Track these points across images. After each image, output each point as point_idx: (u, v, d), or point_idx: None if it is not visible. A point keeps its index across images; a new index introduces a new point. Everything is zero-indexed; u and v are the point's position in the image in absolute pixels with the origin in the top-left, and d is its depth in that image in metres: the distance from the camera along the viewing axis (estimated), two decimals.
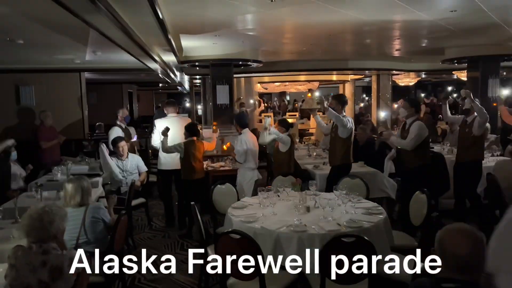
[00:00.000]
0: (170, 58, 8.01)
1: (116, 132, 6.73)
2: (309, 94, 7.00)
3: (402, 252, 3.52)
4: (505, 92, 6.44)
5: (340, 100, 5.25)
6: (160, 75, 10.34)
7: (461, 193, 5.41)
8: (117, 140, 5.83)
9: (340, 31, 6.62)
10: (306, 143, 8.49)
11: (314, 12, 5.14)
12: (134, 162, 5.85)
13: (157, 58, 7.26)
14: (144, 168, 5.99)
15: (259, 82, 14.61)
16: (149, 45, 6.07)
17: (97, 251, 3.35)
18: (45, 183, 5.32)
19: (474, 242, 1.71)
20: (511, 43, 8.01)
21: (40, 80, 9.33)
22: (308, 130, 14.17)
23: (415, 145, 4.80)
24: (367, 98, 20.93)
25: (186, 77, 12.94)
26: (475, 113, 5.21)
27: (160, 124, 5.90)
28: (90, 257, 3.20)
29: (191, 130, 5.57)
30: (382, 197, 5.64)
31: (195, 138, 5.58)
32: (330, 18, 5.52)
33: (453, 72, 13.25)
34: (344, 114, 5.15)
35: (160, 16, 4.18)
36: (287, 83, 15.84)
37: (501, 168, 4.80)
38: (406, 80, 16.10)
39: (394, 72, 13.19)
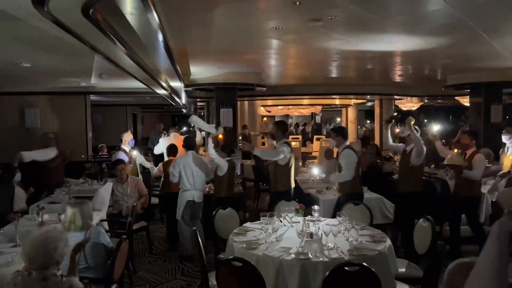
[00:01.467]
0: (175, 83, 8.11)
1: (120, 156, 6.74)
2: (265, 118, 7.09)
3: (407, 281, 3.46)
4: (436, 128, 6.46)
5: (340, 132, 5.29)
6: (165, 97, 10.44)
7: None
8: (117, 162, 5.83)
9: (343, 58, 6.70)
10: (308, 166, 8.47)
11: (317, 40, 5.22)
12: (134, 185, 5.82)
13: (163, 84, 7.34)
14: (144, 191, 5.95)
15: (262, 105, 14.72)
16: (155, 70, 6.15)
17: None
18: (47, 205, 5.30)
19: None
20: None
21: (45, 102, 9.43)
22: (311, 153, 14.18)
23: (353, 172, 4.87)
24: (368, 121, 20.99)
25: (191, 100, 13.06)
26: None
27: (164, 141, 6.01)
28: (90, 283, 3.16)
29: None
30: (386, 223, 5.58)
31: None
32: (333, 45, 5.60)
33: (455, 97, 13.32)
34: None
35: (167, 43, 4.25)
36: (290, 106, 15.95)
37: (506, 195, 4.76)
38: (409, 104, 16.18)
39: (397, 96, 13.27)
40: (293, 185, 5.52)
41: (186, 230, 5.44)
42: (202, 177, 5.56)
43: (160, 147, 8.06)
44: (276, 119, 22.11)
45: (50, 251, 2.36)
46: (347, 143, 5.19)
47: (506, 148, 5.53)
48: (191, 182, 5.44)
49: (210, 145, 5.49)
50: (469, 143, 5.07)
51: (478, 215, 5.23)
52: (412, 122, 5.10)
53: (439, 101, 16.47)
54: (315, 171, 5.59)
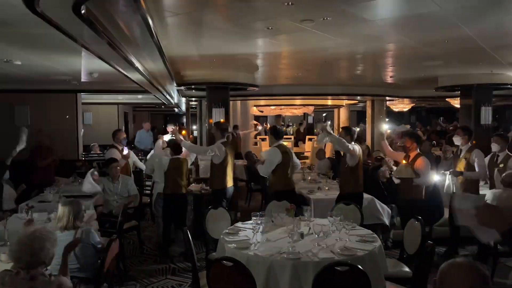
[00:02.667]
0: (167, 82, 8.07)
1: (113, 153, 6.69)
2: (222, 120, 7.13)
3: (397, 281, 3.49)
4: (386, 126, 6.48)
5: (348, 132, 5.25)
6: (156, 96, 10.39)
7: None
8: (110, 161, 5.80)
9: (335, 58, 6.73)
10: (301, 167, 8.48)
11: (309, 40, 5.23)
12: (125, 185, 5.77)
13: (157, 86, 7.31)
14: (134, 191, 5.86)
15: (255, 105, 14.73)
16: (147, 69, 6.11)
17: None
18: (36, 204, 5.25)
19: (477, 278, 1.67)
20: (502, 72, 8.18)
21: (35, 100, 9.34)
22: (303, 154, 14.22)
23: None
24: (360, 124, 21.08)
25: (183, 99, 13.02)
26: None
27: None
28: (80, 283, 3.14)
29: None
30: (376, 224, 5.61)
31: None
32: (325, 45, 5.62)
33: (446, 99, 13.44)
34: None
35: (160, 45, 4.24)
36: (283, 106, 15.99)
37: (496, 197, 4.81)
38: (400, 106, 16.31)
39: (388, 98, 13.36)
40: (229, 184, 5.60)
41: (160, 224, 5.77)
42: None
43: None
44: (269, 119, 22.21)
45: (36, 251, 2.34)
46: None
47: (496, 157, 5.49)
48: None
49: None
50: (410, 146, 5.04)
51: (430, 218, 5.14)
52: (327, 125, 5.18)
53: (430, 102, 16.63)
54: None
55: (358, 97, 13.13)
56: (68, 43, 3.86)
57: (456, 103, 12.62)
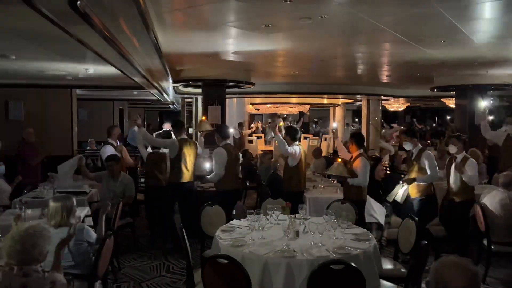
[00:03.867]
0: (163, 79, 8.04)
1: (108, 149, 6.65)
2: (203, 117, 7.08)
3: (391, 279, 3.50)
4: (334, 125, 6.56)
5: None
6: (151, 92, 10.35)
7: None
8: (111, 158, 5.75)
9: (331, 57, 6.74)
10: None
11: (307, 38, 5.23)
12: (124, 185, 5.67)
13: (153, 82, 7.27)
14: (130, 192, 5.73)
15: (251, 103, 14.72)
16: (143, 65, 6.08)
17: None
18: (30, 200, 5.22)
19: (470, 276, 1.69)
20: (496, 73, 8.23)
21: (30, 95, 9.27)
22: None
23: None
24: (353, 123, 21.14)
25: (178, 96, 12.98)
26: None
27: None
28: (73, 279, 3.12)
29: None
30: (371, 222, 5.62)
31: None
32: (322, 44, 5.63)
33: (441, 99, 13.51)
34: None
35: (155, 40, 4.21)
36: (279, 105, 15.99)
37: (490, 197, 4.83)
38: (396, 105, 16.37)
39: (384, 97, 13.41)
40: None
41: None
42: None
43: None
44: (264, 117, 22.22)
45: (29, 248, 2.32)
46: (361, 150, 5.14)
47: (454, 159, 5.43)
48: None
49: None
50: (352, 148, 5.08)
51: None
52: (281, 124, 5.18)
53: (425, 102, 16.71)
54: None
55: (358, 96, 13.16)
56: (64, 37, 3.83)
57: (451, 103, 12.68)
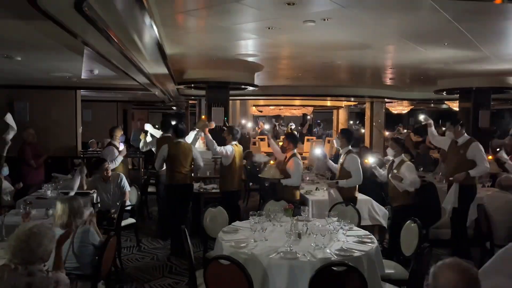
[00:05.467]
0: (167, 80, 8.07)
1: (111, 151, 6.68)
2: (203, 116, 7.25)
3: (393, 282, 3.50)
4: (267, 126, 6.74)
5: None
6: (156, 94, 10.40)
7: None
8: (100, 162, 5.76)
9: (335, 59, 6.74)
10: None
11: (310, 41, 5.24)
12: (116, 183, 5.68)
13: (156, 83, 7.30)
14: (127, 188, 5.79)
15: (254, 105, 14.74)
16: (147, 67, 6.12)
17: None
18: (34, 200, 5.25)
19: (469, 279, 1.70)
20: (501, 76, 8.20)
21: (35, 96, 9.32)
22: (302, 154, 14.24)
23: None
24: (355, 125, 21.12)
25: (182, 98, 13.01)
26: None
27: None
28: (76, 279, 3.14)
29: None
30: (373, 225, 5.63)
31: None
32: (325, 47, 5.64)
33: (445, 102, 13.47)
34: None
35: (159, 41, 4.24)
36: (282, 107, 15.99)
37: (492, 200, 4.83)
38: (399, 108, 16.33)
39: (387, 99, 13.39)
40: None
41: None
42: None
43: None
44: (267, 119, 22.23)
45: (33, 247, 2.34)
46: (350, 147, 5.22)
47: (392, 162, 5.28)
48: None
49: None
50: (287, 146, 5.16)
51: None
52: (212, 127, 5.35)
53: (432, 105, 16.65)
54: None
55: (358, 99, 13.15)
56: (69, 39, 3.86)
57: (454, 106, 12.65)
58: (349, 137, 5.25)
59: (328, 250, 3.25)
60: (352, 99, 13.23)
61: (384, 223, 5.66)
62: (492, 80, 8.38)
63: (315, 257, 3.11)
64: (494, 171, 6.39)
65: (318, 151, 6.11)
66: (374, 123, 13.80)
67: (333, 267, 2.80)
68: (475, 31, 4.60)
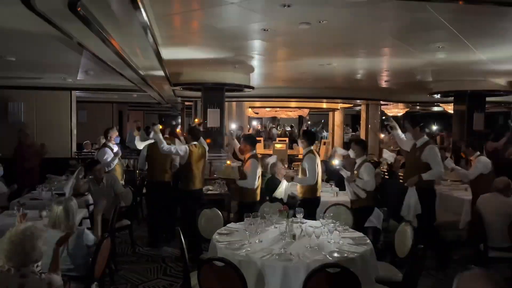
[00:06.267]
0: (163, 82, 8.06)
1: (105, 153, 6.65)
2: (197, 119, 7.39)
3: (387, 284, 3.50)
4: (233, 126, 6.90)
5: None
6: (151, 95, 10.38)
7: None
8: (93, 164, 5.73)
9: (330, 62, 6.76)
10: (295, 169, 8.50)
11: (306, 43, 5.26)
12: (110, 185, 5.63)
13: (151, 84, 7.29)
14: (120, 189, 5.73)
15: (250, 107, 14.73)
16: (142, 68, 6.11)
17: None
18: (28, 201, 5.23)
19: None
20: (495, 79, 8.26)
21: (30, 97, 9.28)
22: (298, 156, 14.23)
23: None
24: (350, 128, 21.22)
25: (178, 99, 13.00)
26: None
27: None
28: (69, 281, 3.12)
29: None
30: (367, 227, 5.63)
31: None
32: (321, 50, 5.66)
33: (440, 104, 13.53)
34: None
35: (154, 42, 4.24)
36: (278, 109, 16.00)
37: (486, 202, 4.84)
38: (395, 110, 16.39)
39: (383, 102, 13.43)
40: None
41: None
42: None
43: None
44: (264, 121, 22.26)
45: (28, 250, 2.32)
46: (311, 147, 5.32)
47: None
48: None
49: None
50: (244, 148, 5.22)
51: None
52: (160, 127, 5.46)
53: (424, 108, 16.75)
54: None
55: (354, 101, 13.20)
56: (64, 40, 3.85)
57: (449, 108, 12.72)
58: (309, 138, 5.36)
59: (322, 252, 3.25)
60: (348, 101, 13.27)
61: (379, 225, 5.67)
62: (486, 83, 8.43)
63: (309, 259, 3.11)
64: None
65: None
66: (369, 126, 13.85)
67: (327, 269, 2.80)
68: (468, 33, 4.63)
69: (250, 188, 5.06)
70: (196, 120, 7.47)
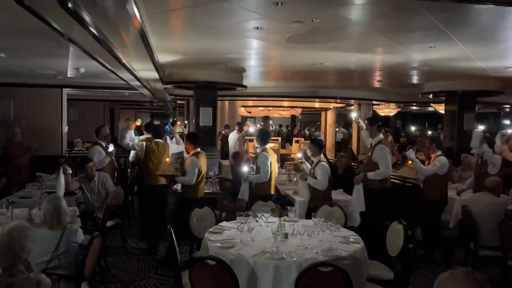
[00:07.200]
0: (155, 80, 8.02)
1: (97, 151, 6.59)
2: (179, 122, 7.61)
3: (378, 282, 3.52)
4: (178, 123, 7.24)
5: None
6: (143, 93, 10.31)
7: None
8: (85, 161, 5.68)
9: (323, 61, 6.77)
10: (287, 168, 8.50)
11: (299, 42, 5.25)
12: (102, 183, 5.61)
13: (143, 83, 7.24)
14: (112, 188, 5.71)
15: (242, 106, 14.71)
16: (134, 66, 6.06)
17: None
18: (18, 200, 5.16)
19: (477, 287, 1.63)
20: (486, 79, 8.33)
21: (19, 94, 9.17)
22: (290, 155, 14.24)
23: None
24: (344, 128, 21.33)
25: (169, 98, 12.94)
26: None
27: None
28: (59, 279, 3.08)
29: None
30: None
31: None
32: (314, 48, 5.66)
33: (431, 104, 13.63)
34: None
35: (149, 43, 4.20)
36: (271, 108, 16.00)
37: (476, 201, 4.88)
38: (387, 110, 16.49)
39: (375, 102, 13.49)
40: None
41: None
42: None
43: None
44: (257, 120, 22.24)
45: (17, 251, 2.29)
46: (266, 146, 5.45)
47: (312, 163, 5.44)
48: None
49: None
50: (187, 146, 5.38)
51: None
52: (138, 124, 5.67)
53: (417, 107, 16.86)
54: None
55: (346, 100, 13.24)
56: (54, 36, 3.80)
57: (440, 108, 12.82)
58: (263, 137, 5.48)
59: (314, 251, 3.25)
60: (340, 100, 13.31)
61: None
62: (477, 83, 8.50)
63: (301, 258, 3.11)
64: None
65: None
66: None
67: (319, 268, 2.80)
68: (458, 30, 4.65)
69: (189, 185, 5.21)
70: (178, 122, 7.52)
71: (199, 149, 5.32)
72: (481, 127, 5.82)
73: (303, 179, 5.21)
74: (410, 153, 5.69)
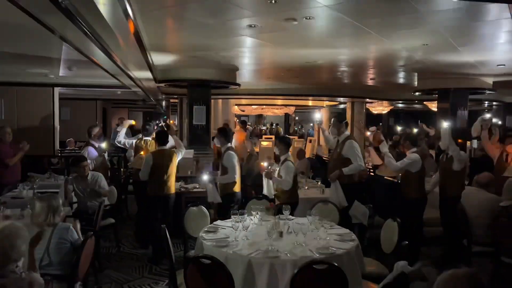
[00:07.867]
0: (148, 79, 7.97)
1: (89, 151, 6.54)
2: (172, 121, 7.77)
3: (373, 280, 3.52)
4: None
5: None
6: (135, 91, 10.24)
7: None
8: (79, 160, 5.63)
9: (316, 59, 6.77)
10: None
11: (292, 40, 5.24)
12: (95, 182, 5.54)
13: (136, 80, 7.19)
14: (105, 187, 5.66)
15: (236, 104, 14.70)
16: (127, 64, 6.01)
17: None
18: (9, 200, 5.11)
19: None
20: (478, 77, 8.39)
21: (10, 93, 9.06)
22: None
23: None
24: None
25: (163, 96, 12.86)
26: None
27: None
28: (52, 280, 3.05)
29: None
30: (354, 223, 5.66)
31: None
32: (307, 46, 5.65)
33: (424, 102, 13.70)
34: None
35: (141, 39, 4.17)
36: (264, 106, 16.01)
37: (469, 197, 4.91)
38: (379, 108, 16.54)
39: (368, 100, 13.53)
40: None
41: None
42: None
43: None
44: (250, 119, 22.23)
45: (8, 250, 2.26)
46: (229, 145, 5.49)
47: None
48: None
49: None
50: (221, 141, 5.46)
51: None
52: (133, 123, 5.76)
53: (412, 105, 16.93)
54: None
55: (341, 99, 13.28)
56: (45, 33, 3.75)
57: (433, 106, 12.88)
58: (225, 136, 5.48)
59: (309, 248, 3.25)
60: (333, 98, 13.34)
61: (364, 221, 5.70)
62: (469, 81, 8.55)
63: (296, 256, 3.11)
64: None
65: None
66: (355, 124, 13.94)
67: (314, 265, 2.79)
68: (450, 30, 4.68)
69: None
70: (171, 121, 7.52)
71: (164, 147, 5.54)
72: (445, 124, 5.79)
73: (268, 177, 5.17)
74: (383, 146, 5.66)
